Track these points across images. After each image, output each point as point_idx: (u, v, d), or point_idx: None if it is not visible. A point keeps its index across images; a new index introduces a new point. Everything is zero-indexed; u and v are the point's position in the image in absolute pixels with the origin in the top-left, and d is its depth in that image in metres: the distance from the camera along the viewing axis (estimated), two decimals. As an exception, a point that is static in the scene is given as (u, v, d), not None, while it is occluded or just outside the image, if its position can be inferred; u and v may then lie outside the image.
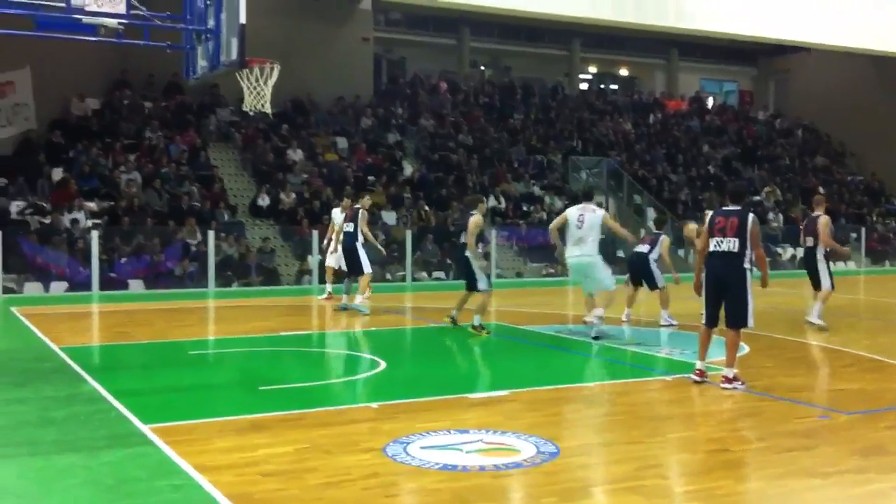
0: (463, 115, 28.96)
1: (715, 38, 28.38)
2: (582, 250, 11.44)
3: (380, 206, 22.55)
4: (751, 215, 8.38)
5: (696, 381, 8.56)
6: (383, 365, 9.68)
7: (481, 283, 12.00)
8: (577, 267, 11.75)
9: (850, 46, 23.85)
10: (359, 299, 14.27)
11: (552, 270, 23.56)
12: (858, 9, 22.04)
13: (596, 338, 11.28)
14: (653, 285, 13.34)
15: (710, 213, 9.10)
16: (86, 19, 8.57)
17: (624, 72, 38.39)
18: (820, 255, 12.80)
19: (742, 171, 31.32)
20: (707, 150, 31.90)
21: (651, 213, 26.98)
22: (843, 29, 22.52)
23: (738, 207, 8.45)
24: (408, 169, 25.46)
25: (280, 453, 6.16)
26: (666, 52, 36.73)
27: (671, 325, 12.91)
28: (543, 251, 24.23)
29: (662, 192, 27.77)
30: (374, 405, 7.70)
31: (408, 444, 6.31)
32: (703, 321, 8.61)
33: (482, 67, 34.96)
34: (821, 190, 28.28)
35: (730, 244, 8.27)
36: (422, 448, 6.21)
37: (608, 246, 23.13)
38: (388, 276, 20.96)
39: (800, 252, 26.74)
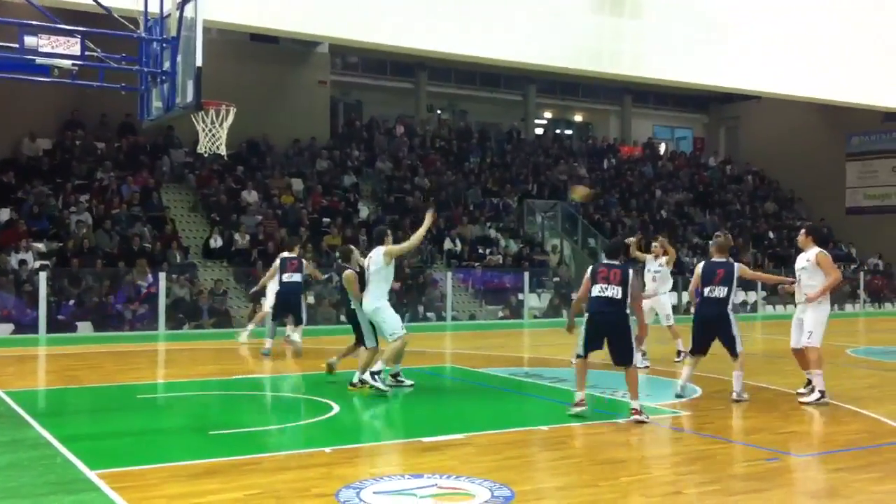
0: (420, 159, 29.11)
1: (667, 86, 28.95)
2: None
3: (334, 248, 22.46)
4: (631, 270, 9.38)
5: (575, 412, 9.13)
6: (336, 409, 9.59)
7: (369, 341, 10.91)
8: None
9: (797, 95, 24.45)
10: (296, 336, 14.54)
11: (507, 313, 23.63)
12: (805, 59, 22.64)
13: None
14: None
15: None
16: (39, 60, 8.51)
17: (578, 117, 38.94)
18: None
19: (694, 215, 31.79)
20: (660, 195, 32.36)
21: (604, 258, 27.22)
22: (790, 78, 23.08)
23: (617, 262, 9.45)
24: (364, 211, 25.46)
25: (231, 499, 6.06)
26: (620, 98, 37.36)
27: (645, 366, 12.96)
28: (499, 294, 24.32)
29: (616, 236, 28.04)
30: (328, 450, 7.61)
31: (361, 489, 6.24)
32: (581, 354, 9.31)
33: (439, 112, 35.24)
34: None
35: (613, 291, 9.14)
36: (375, 493, 6.15)
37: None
38: (343, 317, 20.81)
39: (752, 297, 27.32)
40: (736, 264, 10.36)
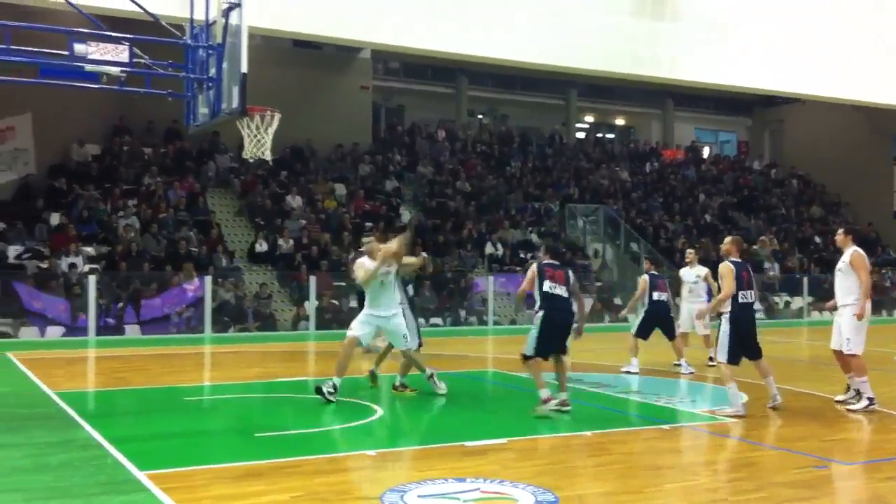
0: (461, 163, 29.14)
1: (710, 89, 28.69)
2: None
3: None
4: (571, 271, 9.82)
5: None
6: (380, 412, 9.63)
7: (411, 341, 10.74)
8: None
9: (842, 98, 24.09)
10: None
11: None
12: (850, 61, 22.32)
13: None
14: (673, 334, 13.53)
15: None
16: (88, 67, 8.68)
17: (620, 121, 38.73)
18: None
19: (738, 220, 31.46)
20: (703, 199, 32.07)
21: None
22: (835, 80, 22.76)
23: (559, 262, 9.82)
24: (405, 215, 25.55)
25: (275, 501, 6.12)
26: (661, 101, 37.10)
27: (690, 371, 13.01)
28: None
29: (659, 240, 27.86)
30: (371, 453, 7.66)
31: (405, 492, 6.27)
32: (537, 354, 9.52)
33: (480, 116, 35.26)
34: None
35: (561, 290, 9.54)
36: (419, 497, 6.17)
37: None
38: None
39: (798, 302, 26.97)
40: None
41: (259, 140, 10.34)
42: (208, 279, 19.15)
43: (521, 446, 8.02)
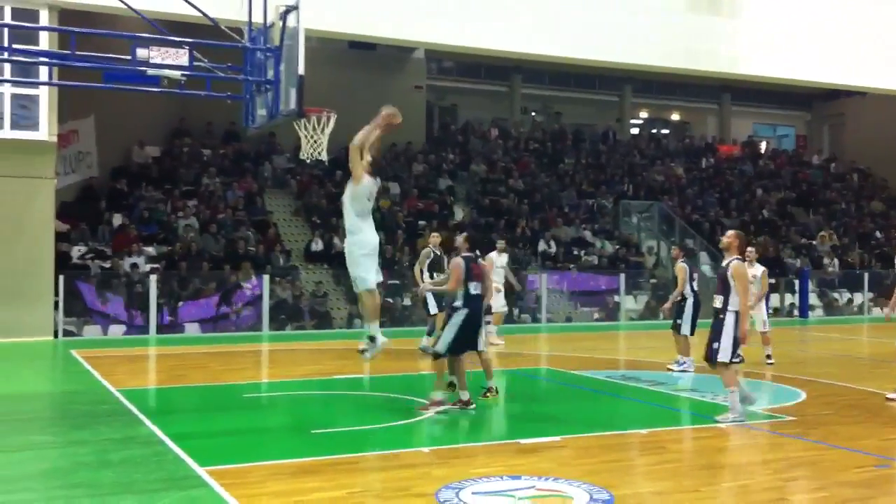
0: (514, 161, 29.11)
1: (768, 83, 28.26)
2: None
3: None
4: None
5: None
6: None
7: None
8: None
9: (905, 91, 23.61)
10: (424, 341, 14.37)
11: (602, 315, 23.45)
12: (914, 52, 21.85)
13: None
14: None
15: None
16: (150, 71, 8.88)
17: (675, 117, 38.32)
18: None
19: (797, 215, 30.94)
20: (761, 194, 31.60)
21: (704, 258, 26.75)
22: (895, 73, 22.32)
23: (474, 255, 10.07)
24: (458, 214, 25.61)
25: (332, 497, 6.21)
26: (718, 96, 36.63)
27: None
28: (594, 296, 24.13)
29: (715, 237, 27.51)
30: (426, 450, 7.73)
31: (460, 489, 6.33)
32: (450, 353, 9.50)
33: (533, 114, 35.17)
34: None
35: (480, 289, 9.73)
36: (474, 494, 6.22)
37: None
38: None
39: (858, 298, 26.47)
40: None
41: (315, 141, 10.46)
42: (266, 278, 19.41)
43: (575, 444, 8.02)
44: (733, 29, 20.33)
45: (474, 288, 9.65)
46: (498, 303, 16.13)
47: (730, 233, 9.58)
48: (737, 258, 9.23)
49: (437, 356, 9.59)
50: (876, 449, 7.91)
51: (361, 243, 8.78)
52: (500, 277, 16.31)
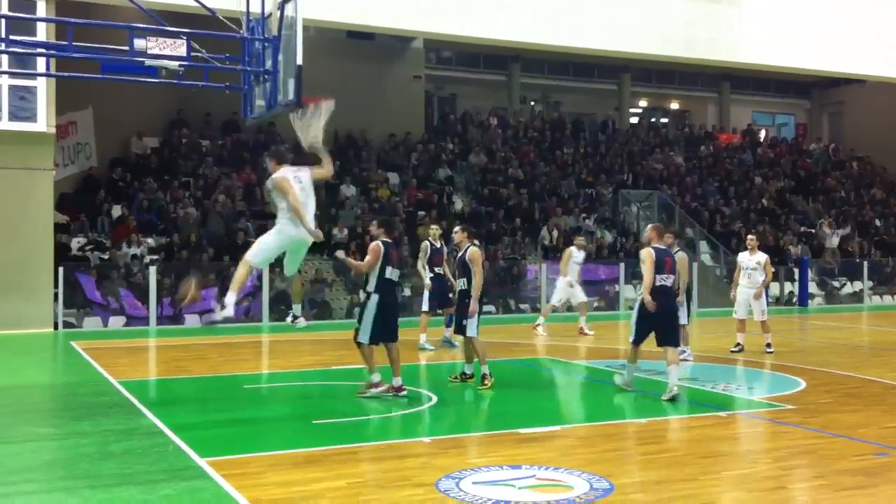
0: (513, 151, 29.08)
1: (768, 71, 28.21)
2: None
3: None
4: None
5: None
6: (435, 399, 9.72)
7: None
8: None
9: (904, 78, 23.59)
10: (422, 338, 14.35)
11: (602, 304, 23.46)
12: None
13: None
14: None
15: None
16: (148, 62, 8.85)
17: (675, 105, 38.26)
18: None
19: (796, 203, 30.93)
20: (760, 182, 31.58)
21: (704, 247, 26.76)
22: (894, 61, 22.29)
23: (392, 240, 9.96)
24: (458, 203, 25.59)
25: (333, 487, 6.22)
26: (717, 85, 36.57)
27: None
28: (594, 285, 24.13)
29: (715, 226, 27.53)
30: (427, 440, 7.74)
31: (460, 479, 6.34)
32: (372, 341, 9.52)
33: (532, 103, 35.10)
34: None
35: (396, 274, 9.73)
36: (474, 483, 6.24)
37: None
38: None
39: (857, 286, 26.49)
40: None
41: (311, 129, 10.43)
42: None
43: (576, 434, 8.04)
44: (733, 17, 20.31)
45: (390, 273, 9.54)
46: (578, 295, 16.94)
47: (648, 227, 10.31)
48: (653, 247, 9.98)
49: (359, 345, 9.57)
50: (875, 437, 7.92)
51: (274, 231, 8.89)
52: (575, 274, 16.84)
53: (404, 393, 9.63)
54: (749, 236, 14.80)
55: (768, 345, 13.75)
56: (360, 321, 9.55)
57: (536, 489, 6.17)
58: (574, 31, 19.14)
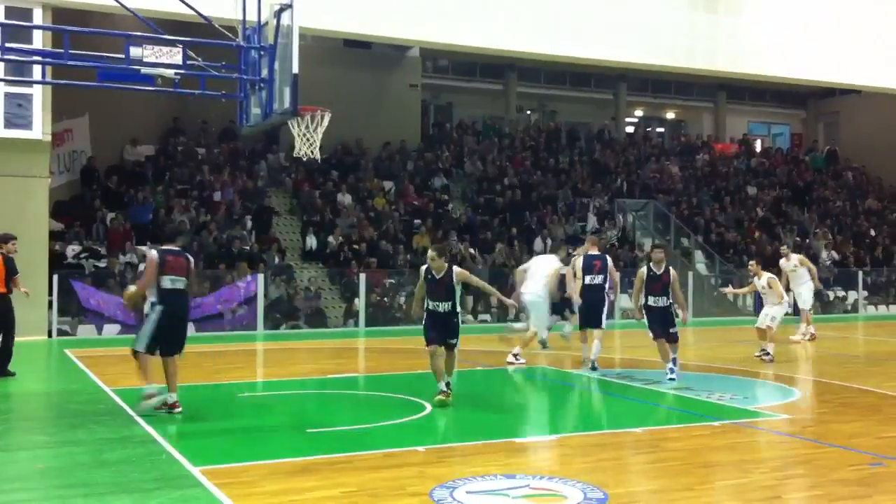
0: (509, 159, 29.11)
1: (764, 81, 28.27)
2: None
3: (425, 248, 22.76)
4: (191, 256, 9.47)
5: None
6: (429, 408, 9.70)
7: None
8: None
9: (898, 89, 23.68)
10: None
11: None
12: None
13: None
14: None
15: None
16: (144, 70, 8.87)
17: (671, 115, 38.35)
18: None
19: (792, 213, 30.99)
20: (755, 192, 31.65)
21: (699, 256, 26.77)
22: (893, 72, 22.37)
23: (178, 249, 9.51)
24: (454, 212, 25.60)
25: (327, 496, 6.21)
26: (714, 95, 36.65)
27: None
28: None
29: (710, 235, 27.57)
30: (421, 449, 7.73)
31: (454, 488, 6.32)
32: (148, 350, 9.27)
33: (528, 112, 35.16)
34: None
35: (181, 283, 9.32)
36: (468, 493, 6.22)
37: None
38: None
39: (853, 295, 26.53)
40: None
41: (309, 139, 10.46)
42: (261, 277, 19.39)
43: (570, 443, 8.03)
44: (729, 27, 20.37)
45: (170, 282, 9.15)
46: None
47: (588, 239, 14.19)
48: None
49: (135, 353, 9.30)
50: (871, 447, 7.92)
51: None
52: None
53: (178, 410, 9.21)
54: (751, 263, 15.07)
55: (764, 350, 13.84)
56: (139, 330, 9.37)
57: (531, 499, 6.15)
58: (571, 40, 19.19)
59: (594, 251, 13.08)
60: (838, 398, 10.68)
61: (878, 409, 9.94)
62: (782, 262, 17.39)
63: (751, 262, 14.96)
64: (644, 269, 11.92)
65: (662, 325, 11.64)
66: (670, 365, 11.64)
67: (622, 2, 19.20)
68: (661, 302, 11.65)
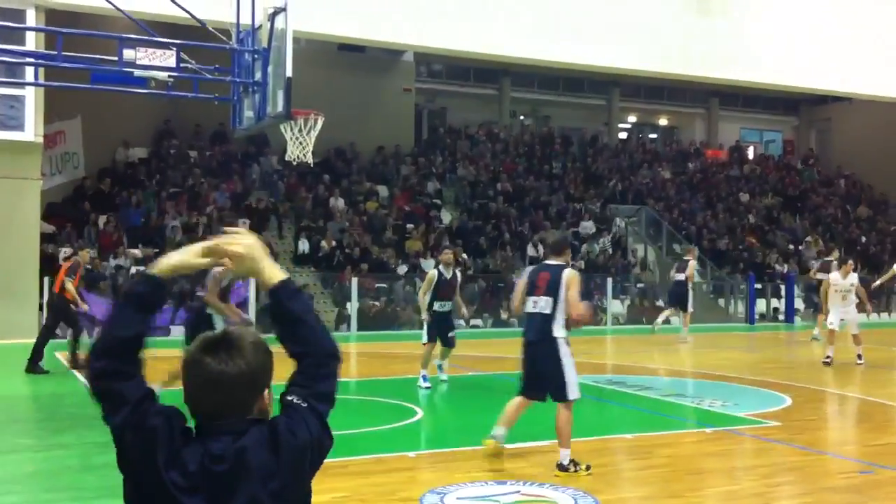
0: (502, 164, 29.14)
1: (756, 88, 28.37)
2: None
3: (418, 252, 22.77)
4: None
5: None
6: (420, 413, 9.68)
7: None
8: None
9: (892, 97, 23.76)
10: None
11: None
12: (899, 59, 22.00)
13: None
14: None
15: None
16: (137, 73, 8.85)
17: (663, 121, 38.44)
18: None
19: (784, 220, 31.08)
20: (747, 198, 31.73)
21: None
22: (885, 79, 22.46)
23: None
24: (446, 217, 25.62)
25: (317, 502, 6.17)
26: (706, 101, 36.75)
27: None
28: (581, 299, 24.13)
29: (702, 241, 27.63)
30: (412, 454, 7.71)
31: (444, 494, 6.31)
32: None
33: (522, 117, 35.21)
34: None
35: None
36: (458, 499, 6.21)
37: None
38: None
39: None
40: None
41: (302, 143, 10.46)
42: (253, 281, 19.33)
43: (562, 449, 8.00)
44: (724, 33, 20.42)
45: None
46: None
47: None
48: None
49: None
50: (861, 455, 7.94)
51: None
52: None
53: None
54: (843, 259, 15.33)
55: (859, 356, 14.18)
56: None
57: (522, 505, 6.15)
58: (564, 46, 19.21)
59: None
60: (828, 405, 10.71)
61: (868, 417, 9.96)
62: (835, 275, 17.05)
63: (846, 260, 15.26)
64: (434, 272, 11.53)
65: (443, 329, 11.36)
66: (426, 373, 11.36)
67: (614, 7, 19.24)
68: (447, 307, 11.35)
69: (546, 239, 9.06)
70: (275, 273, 2.48)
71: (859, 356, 14.15)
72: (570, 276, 7.27)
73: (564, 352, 7.21)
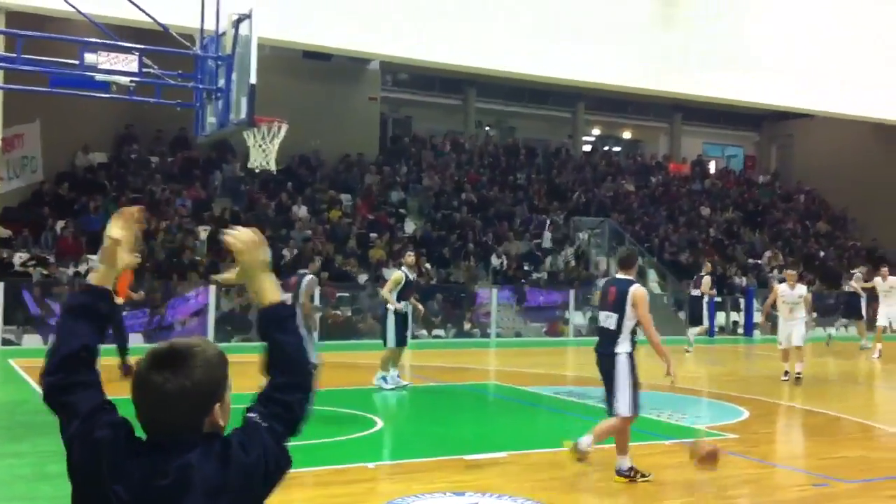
0: (466, 175, 29.20)
1: (719, 103, 28.69)
2: None
3: (381, 261, 22.71)
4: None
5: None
6: (380, 424, 9.64)
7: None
8: None
9: (852, 114, 24.15)
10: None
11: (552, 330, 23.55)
12: (861, 78, 22.36)
13: None
14: None
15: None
16: (99, 77, 8.75)
17: (627, 134, 38.77)
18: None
19: (744, 234, 31.45)
20: (708, 213, 32.07)
21: (652, 275, 27.00)
22: (846, 97, 22.82)
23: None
24: (410, 226, 25.59)
25: (275, 513, 6.12)
26: (670, 115, 37.12)
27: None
28: (544, 311, 24.23)
29: (664, 254, 27.86)
30: (371, 465, 7.67)
31: (404, 505, 6.29)
32: None
33: (487, 128, 35.33)
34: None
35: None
36: (417, 510, 6.19)
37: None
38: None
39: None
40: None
41: (265, 150, 10.39)
42: (212, 289, 19.17)
43: (521, 460, 8.02)
44: (687, 48, 20.61)
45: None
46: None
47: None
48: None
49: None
50: (815, 468, 8.03)
51: None
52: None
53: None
54: (788, 271, 15.21)
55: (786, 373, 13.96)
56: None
57: (480, 516, 6.14)
58: (530, 58, 19.29)
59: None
60: (785, 418, 10.82)
61: (823, 430, 10.08)
62: (877, 280, 19.04)
63: (790, 271, 15.13)
64: (401, 273, 11.97)
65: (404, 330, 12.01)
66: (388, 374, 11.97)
67: (580, 21, 19.36)
68: (408, 308, 11.95)
69: (619, 254, 9.39)
70: (271, 292, 2.49)
71: (798, 374, 13.67)
72: (636, 294, 7.26)
73: (622, 368, 7.27)
